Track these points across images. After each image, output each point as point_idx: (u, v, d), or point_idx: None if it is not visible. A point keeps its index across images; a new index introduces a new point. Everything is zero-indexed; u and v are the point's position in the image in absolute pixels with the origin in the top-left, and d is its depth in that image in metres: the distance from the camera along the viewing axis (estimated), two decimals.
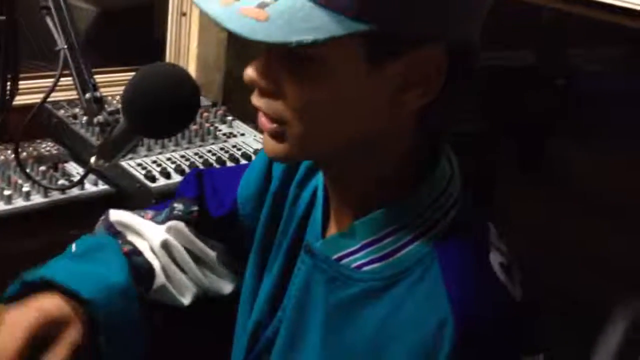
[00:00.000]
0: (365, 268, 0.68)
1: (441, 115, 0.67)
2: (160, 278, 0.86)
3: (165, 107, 0.75)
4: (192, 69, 1.84)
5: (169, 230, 0.87)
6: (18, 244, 1.22)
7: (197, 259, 0.90)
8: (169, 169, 1.39)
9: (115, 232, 0.89)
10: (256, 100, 0.66)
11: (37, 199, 1.27)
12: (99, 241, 0.87)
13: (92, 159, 0.93)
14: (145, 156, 1.43)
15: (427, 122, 0.67)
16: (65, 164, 1.40)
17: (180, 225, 0.88)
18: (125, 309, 0.78)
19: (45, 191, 1.28)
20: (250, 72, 0.64)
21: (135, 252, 0.85)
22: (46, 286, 0.75)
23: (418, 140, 0.68)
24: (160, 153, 1.46)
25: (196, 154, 1.48)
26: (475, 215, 0.71)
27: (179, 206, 0.89)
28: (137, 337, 0.80)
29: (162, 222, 0.89)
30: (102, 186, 1.35)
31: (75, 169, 1.40)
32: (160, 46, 1.85)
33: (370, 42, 0.59)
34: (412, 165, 0.69)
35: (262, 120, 0.66)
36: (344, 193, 0.73)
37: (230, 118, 1.65)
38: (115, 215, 0.91)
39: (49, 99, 1.14)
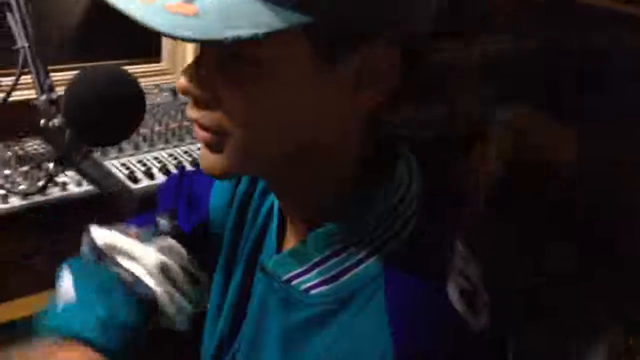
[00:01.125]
0: (314, 291, 0.62)
1: (396, 116, 0.61)
2: (163, 307, 0.79)
3: (97, 114, 0.69)
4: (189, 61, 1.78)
5: (161, 250, 0.80)
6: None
7: (191, 275, 0.83)
8: (154, 169, 1.34)
9: (104, 257, 0.82)
10: (191, 111, 0.58)
11: (14, 201, 1.23)
12: (102, 282, 0.79)
13: (51, 165, 0.87)
14: (132, 155, 1.39)
15: (380, 125, 0.60)
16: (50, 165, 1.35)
17: (172, 242, 0.81)
18: (138, 347, 0.74)
19: (25, 193, 1.24)
20: (182, 81, 0.57)
21: (135, 280, 0.78)
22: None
23: (371, 147, 0.62)
24: (147, 152, 1.41)
25: (186, 152, 1.43)
26: (438, 232, 0.64)
27: (162, 221, 0.83)
28: None
29: (151, 241, 0.82)
30: (85, 187, 1.30)
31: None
32: (157, 39, 1.80)
33: (314, 38, 0.53)
34: (365, 175, 0.62)
35: (196, 129, 0.59)
36: (294, 206, 0.67)
37: None
38: (100, 237, 0.84)
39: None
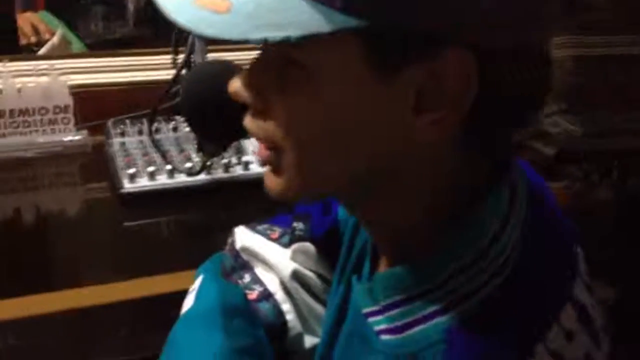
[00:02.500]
0: (384, 337, 0.54)
1: (490, 135, 0.51)
2: (294, 329, 0.74)
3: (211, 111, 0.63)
4: None
5: (294, 255, 0.76)
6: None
7: (327, 282, 0.77)
8: None
9: (243, 263, 0.77)
10: (247, 121, 0.53)
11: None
12: (224, 301, 0.74)
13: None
14: None
15: (468, 146, 0.51)
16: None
17: (306, 245, 0.76)
18: None
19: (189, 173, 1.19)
20: (234, 83, 0.52)
21: (265, 295, 0.74)
22: None
23: (460, 170, 0.52)
24: None
25: None
26: (540, 285, 0.52)
27: (299, 225, 0.78)
28: None
29: (287, 246, 0.77)
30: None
31: None
32: None
33: (366, 44, 0.45)
34: (454, 206, 0.53)
35: (259, 147, 0.53)
36: (374, 235, 0.60)
37: None
38: (242, 239, 0.79)
39: None
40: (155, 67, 1.40)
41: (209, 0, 0.45)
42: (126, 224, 1.13)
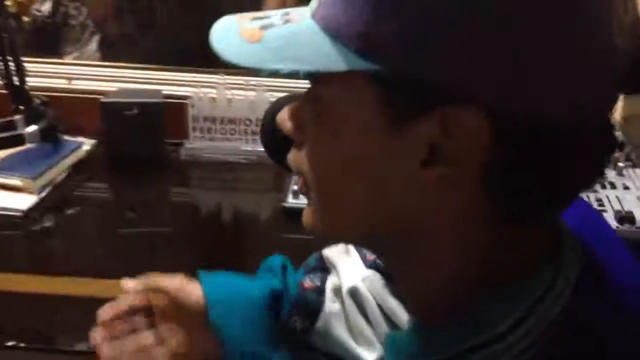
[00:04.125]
0: None
1: (525, 210, 0.46)
2: (326, 322, 0.76)
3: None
4: None
5: (364, 279, 0.78)
6: None
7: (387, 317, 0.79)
8: None
9: (323, 266, 0.82)
10: (290, 152, 0.54)
11: None
12: (271, 263, 0.83)
13: None
14: None
15: (502, 221, 0.46)
16: None
17: (376, 277, 0.77)
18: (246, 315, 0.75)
19: None
20: (281, 114, 0.54)
21: (317, 289, 0.78)
22: None
23: (495, 245, 0.48)
24: None
25: None
26: None
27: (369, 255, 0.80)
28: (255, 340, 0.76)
29: (368, 268, 0.80)
30: None
31: None
32: None
33: (383, 89, 0.44)
34: (484, 277, 0.48)
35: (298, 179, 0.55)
36: (399, 289, 0.59)
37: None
38: (330, 248, 0.85)
39: None
40: None
41: (249, 31, 0.48)
42: (284, 235, 1.20)
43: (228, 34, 0.49)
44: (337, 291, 0.76)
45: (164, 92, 1.42)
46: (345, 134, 0.47)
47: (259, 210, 1.35)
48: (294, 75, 0.45)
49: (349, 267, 0.76)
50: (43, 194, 1.27)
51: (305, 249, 0.81)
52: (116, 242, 1.22)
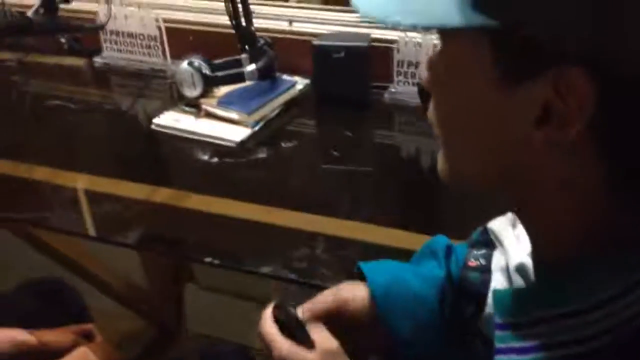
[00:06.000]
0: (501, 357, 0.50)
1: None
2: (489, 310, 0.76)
3: None
4: None
5: (530, 254, 0.78)
6: None
7: None
8: None
9: (486, 240, 0.82)
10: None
11: None
12: (435, 246, 0.84)
13: None
14: None
15: (621, 189, 0.46)
16: None
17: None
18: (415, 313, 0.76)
19: None
20: (425, 67, 0.55)
21: (482, 268, 0.77)
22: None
23: (617, 212, 0.47)
24: None
25: None
26: None
27: None
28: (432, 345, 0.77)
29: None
30: None
31: None
32: None
33: (496, 45, 0.44)
34: (606, 241, 0.48)
35: None
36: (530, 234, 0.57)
37: None
38: (494, 221, 0.85)
39: None
40: None
41: None
42: None
43: None
44: (504, 269, 0.74)
45: (373, 35, 1.45)
46: (464, 88, 0.48)
47: None
48: None
49: (515, 241, 0.74)
50: (256, 128, 1.38)
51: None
52: (320, 177, 1.29)
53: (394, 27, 0.49)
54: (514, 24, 0.42)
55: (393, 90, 1.46)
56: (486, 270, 0.74)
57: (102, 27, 1.52)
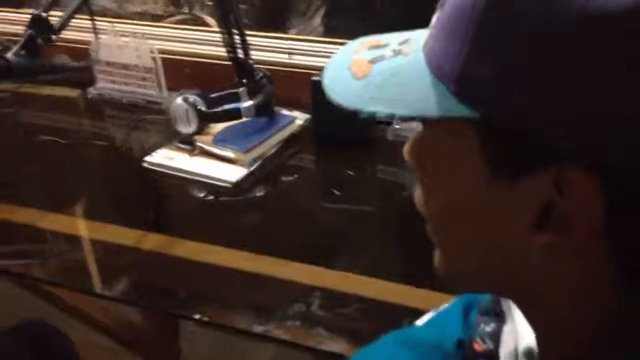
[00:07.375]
0: None
1: None
2: None
3: None
4: None
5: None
6: None
7: None
8: None
9: (498, 312, 0.78)
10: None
11: None
12: (446, 320, 0.77)
13: None
14: None
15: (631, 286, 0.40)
16: None
17: None
18: None
19: None
20: (405, 146, 0.50)
21: (488, 354, 0.72)
22: None
23: (625, 311, 0.41)
24: None
25: None
26: None
27: None
28: None
29: None
30: None
31: None
32: None
33: (483, 137, 0.39)
34: (612, 343, 0.43)
35: None
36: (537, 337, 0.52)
37: None
38: None
39: None
40: None
41: (358, 66, 0.46)
42: None
43: (340, 66, 0.46)
44: (512, 355, 0.68)
45: None
46: (451, 182, 0.43)
47: None
48: None
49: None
50: (253, 168, 1.32)
51: None
52: (319, 219, 1.23)
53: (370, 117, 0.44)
54: (501, 117, 0.36)
55: (397, 126, 1.40)
56: (493, 357, 0.69)
57: (86, 67, 1.47)
